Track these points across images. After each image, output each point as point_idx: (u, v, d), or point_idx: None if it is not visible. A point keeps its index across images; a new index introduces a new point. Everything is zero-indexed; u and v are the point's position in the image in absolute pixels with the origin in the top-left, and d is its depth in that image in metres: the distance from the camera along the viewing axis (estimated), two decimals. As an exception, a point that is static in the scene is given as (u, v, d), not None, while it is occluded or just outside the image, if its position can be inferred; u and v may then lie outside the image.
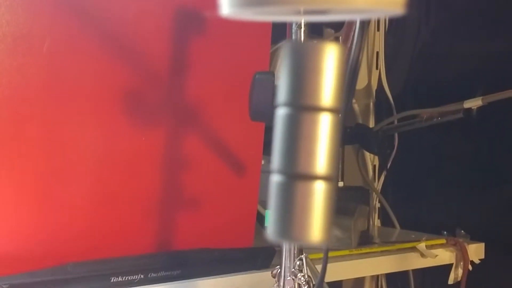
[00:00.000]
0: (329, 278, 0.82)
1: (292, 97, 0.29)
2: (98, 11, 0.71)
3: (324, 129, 0.29)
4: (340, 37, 0.97)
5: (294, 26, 0.64)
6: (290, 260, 0.64)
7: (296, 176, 0.28)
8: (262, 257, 0.80)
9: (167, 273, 0.74)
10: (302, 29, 0.64)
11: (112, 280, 0.70)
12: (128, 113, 0.73)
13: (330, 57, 0.28)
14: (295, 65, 0.29)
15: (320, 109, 0.28)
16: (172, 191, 0.76)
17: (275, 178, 0.29)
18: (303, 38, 0.63)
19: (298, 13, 0.30)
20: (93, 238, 0.73)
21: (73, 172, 0.71)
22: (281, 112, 0.29)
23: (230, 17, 0.29)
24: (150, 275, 0.73)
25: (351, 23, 0.63)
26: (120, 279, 0.71)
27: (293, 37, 0.64)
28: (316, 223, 0.28)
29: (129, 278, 0.72)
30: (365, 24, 0.53)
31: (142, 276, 0.72)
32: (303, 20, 0.62)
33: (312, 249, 0.67)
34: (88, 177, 0.72)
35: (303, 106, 0.28)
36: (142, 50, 0.74)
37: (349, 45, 0.61)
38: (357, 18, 0.37)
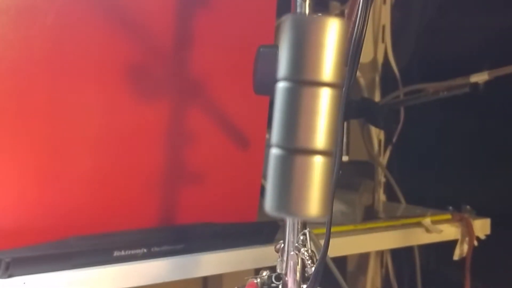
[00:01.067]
0: (333, 253, 0.82)
1: (293, 71, 0.28)
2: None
3: (324, 103, 0.28)
4: (346, 10, 0.95)
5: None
6: (293, 235, 0.64)
7: (295, 150, 0.28)
8: (266, 231, 0.79)
9: (170, 247, 0.74)
10: (307, 2, 0.63)
11: (114, 254, 0.70)
12: (131, 86, 0.73)
13: (332, 31, 0.28)
14: (296, 38, 0.28)
15: (320, 84, 0.28)
16: (176, 165, 0.76)
17: (274, 152, 0.28)
18: (307, 11, 0.62)
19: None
20: (95, 212, 0.72)
21: (76, 145, 0.70)
22: (281, 86, 0.28)
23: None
24: (153, 249, 0.73)
25: (354, 2, 0.62)
26: (122, 253, 0.71)
27: (298, 10, 0.63)
28: (314, 198, 0.28)
29: (131, 252, 0.71)
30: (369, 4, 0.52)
31: (145, 250, 0.72)
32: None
33: (316, 224, 0.66)
34: (91, 150, 0.71)
35: (303, 81, 0.28)
36: (146, 22, 0.73)
37: (354, 18, 0.60)
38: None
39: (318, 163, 0.28)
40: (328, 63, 0.28)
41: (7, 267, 0.62)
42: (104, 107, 0.72)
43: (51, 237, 0.67)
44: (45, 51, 0.67)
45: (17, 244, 0.65)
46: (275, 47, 0.62)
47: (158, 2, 0.74)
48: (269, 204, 0.28)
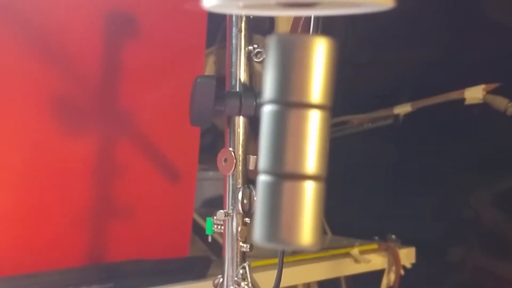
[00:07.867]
0: (262, 287, 0.80)
1: (279, 93, 0.27)
2: (25, 12, 0.67)
3: (313, 126, 0.27)
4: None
5: (234, 30, 0.62)
6: (233, 269, 0.62)
7: (284, 176, 0.27)
8: (199, 266, 0.77)
9: (99, 286, 0.71)
10: (243, 33, 0.62)
11: (40, 296, 0.66)
12: (57, 119, 0.70)
13: (319, 51, 0.27)
14: (282, 59, 0.27)
15: (308, 106, 0.27)
16: (104, 200, 0.73)
17: (262, 178, 0.27)
18: (243, 42, 0.62)
19: (283, 6, 0.28)
20: (18, 251, 0.68)
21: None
22: (267, 110, 0.27)
23: (213, 11, 0.28)
24: (81, 289, 0.69)
25: (297, 21, 0.62)
26: (48, 294, 0.67)
27: (233, 40, 0.62)
28: (305, 225, 0.27)
29: (58, 293, 0.68)
30: (319, 23, 0.52)
31: (72, 291, 0.69)
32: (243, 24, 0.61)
33: (253, 257, 0.65)
34: (13, 185, 0.68)
35: (291, 103, 0.27)
36: (72, 53, 0.71)
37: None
38: (344, 13, 0.36)
39: (308, 189, 0.27)
40: (316, 84, 0.27)
41: None
42: (28, 141, 0.68)
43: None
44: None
45: None
46: (212, 78, 0.61)
47: (85, 33, 0.71)
48: (258, 234, 0.26)
